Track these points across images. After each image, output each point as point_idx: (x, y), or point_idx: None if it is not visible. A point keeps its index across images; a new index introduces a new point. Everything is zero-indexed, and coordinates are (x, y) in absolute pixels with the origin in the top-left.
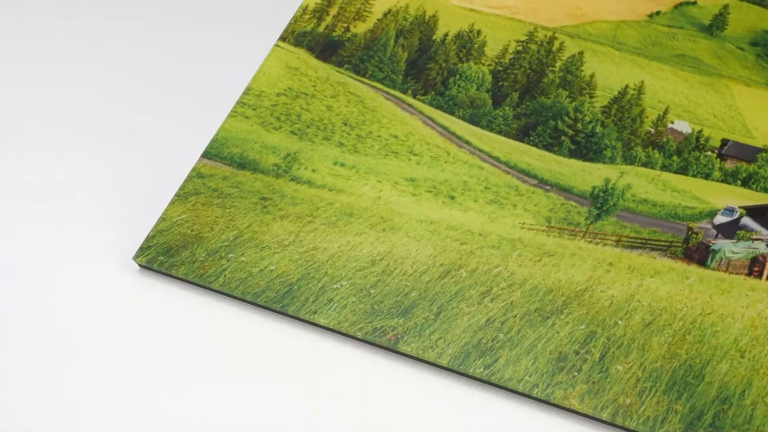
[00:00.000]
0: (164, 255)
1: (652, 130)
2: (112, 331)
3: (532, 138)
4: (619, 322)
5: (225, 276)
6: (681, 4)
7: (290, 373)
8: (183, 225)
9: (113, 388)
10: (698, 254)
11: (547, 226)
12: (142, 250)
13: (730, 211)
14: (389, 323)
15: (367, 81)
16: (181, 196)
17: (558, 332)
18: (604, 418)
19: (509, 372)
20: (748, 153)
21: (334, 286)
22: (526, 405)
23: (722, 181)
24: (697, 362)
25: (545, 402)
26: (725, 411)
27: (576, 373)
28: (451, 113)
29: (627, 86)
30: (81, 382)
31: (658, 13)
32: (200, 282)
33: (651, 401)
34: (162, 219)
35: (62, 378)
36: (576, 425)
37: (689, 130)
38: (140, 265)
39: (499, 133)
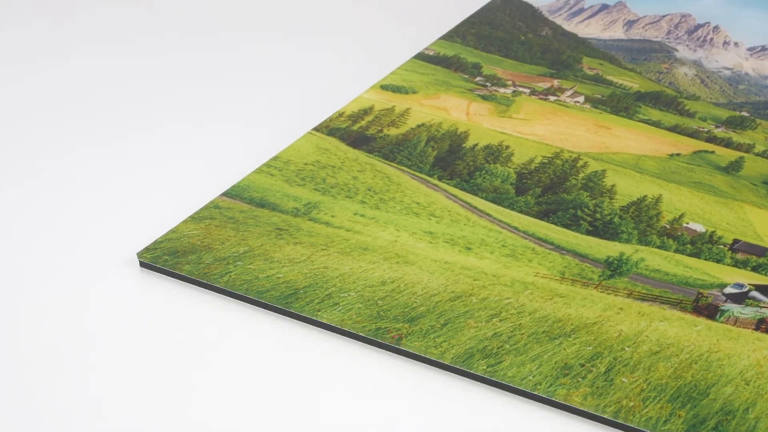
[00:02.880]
0: (169, 255)
1: (668, 226)
2: (114, 329)
3: (551, 219)
4: (627, 349)
5: (230, 276)
6: (700, 151)
7: (291, 373)
8: (194, 237)
9: (114, 387)
10: (707, 311)
11: (560, 277)
12: (148, 249)
13: (739, 286)
14: (394, 325)
15: (395, 165)
16: (195, 218)
17: (565, 349)
18: (606, 416)
19: (512, 372)
20: (758, 251)
21: (342, 294)
22: (528, 404)
23: (733, 266)
24: (702, 384)
25: (547, 400)
26: (728, 420)
27: (580, 380)
28: (475, 194)
29: (645, 195)
30: (82, 380)
31: (678, 154)
32: (203, 279)
33: (654, 406)
34: (173, 231)
35: (63, 377)
36: (578, 425)
37: (703, 230)
38: (143, 264)
39: (520, 212)
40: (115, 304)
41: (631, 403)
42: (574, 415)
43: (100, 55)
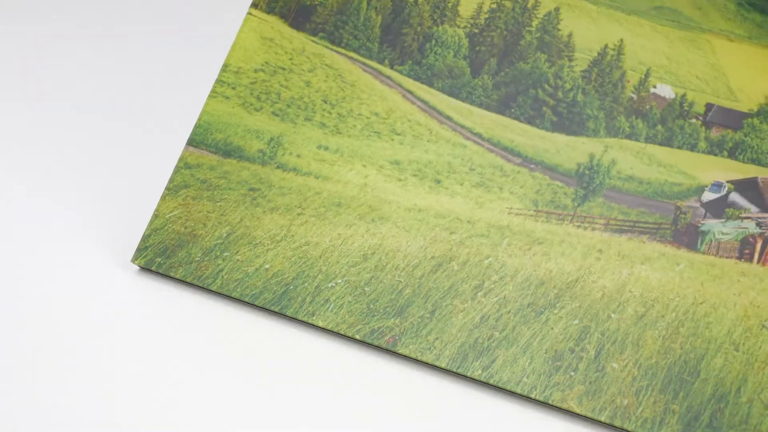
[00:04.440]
0: (161, 256)
1: (635, 97)
2: (113, 331)
3: (513, 110)
4: (612, 315)
5: (222, 277)
6: None
7: (289, 374)
8: (176, 222)
9: (113, 390)
10: (687, 237)
11: (534, 210)
12: (140, 251)
13: (717, 186)
14: (386, 323)
15: (342, 51)
16: (171, 189)
17: (552, 328)
18: (603, 420)
19: (507, 374)
20: (733, 119)
21: (329, 285)
22: (525, 405)
23: (708, 153)
24: (692, 357)
25: (544, 404)
26: (722, 410)
27: (572, 373)
28: (430, 85)
29: (606, 46)
30: (81, 384)
31: None
32: (199, 284)
33: (648, 401)
34: (155, 216)
35: (61, 381)
36: (575, 426)
37: (672, 95)
38: (139, 266)
39: (480, 106)
40: (114, 304)
41: (626, 401)
42: (573, 416)
43: None
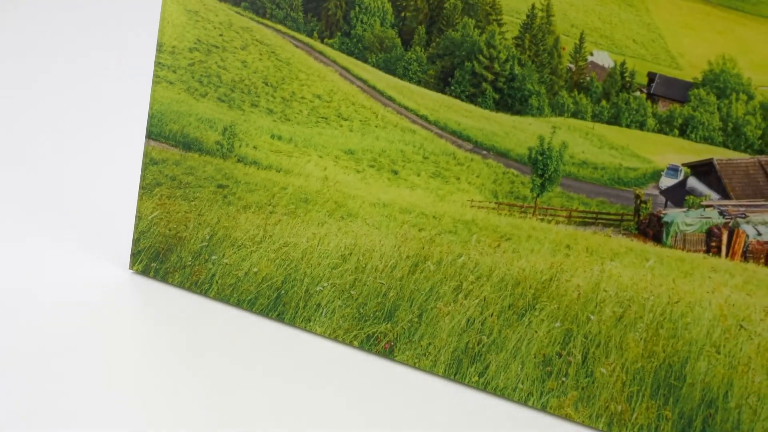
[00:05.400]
0: (155, 261)
1: (573, 67)
2: (112, 332)
3: (453, 87)
4: (591, 317)
5: (216, 283)
6: None
7: (287, 376)
8: (159, 224)
9: (113, 391)
10: (652, 229)
11: (496, 203)
12: (134, 257)
13: (674, 170)
14: (379, 329)
15: (269, 23)
16: (146, 188)
17: (536, 332)
18: (600, 429)
19: (502, 380)
20: (678, 90)
21: (317, 288)
22: (522, 410)
23: (658, 131)
24: (676, 360)
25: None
26: (713, 416)
27: (564, 378)
28: (365, 60)
29: (534, 6)
30: (80, 385)
31: None
32: (196, 290)
33: (640, 407)
34: (139, 217)
35: (61, 382)
36: (576, 427)
37: (611, 63)
38: (136, 272)
39: (418, 83)
40: (113, 306)
41: (620, 407)
42: (570, 422)
43: None
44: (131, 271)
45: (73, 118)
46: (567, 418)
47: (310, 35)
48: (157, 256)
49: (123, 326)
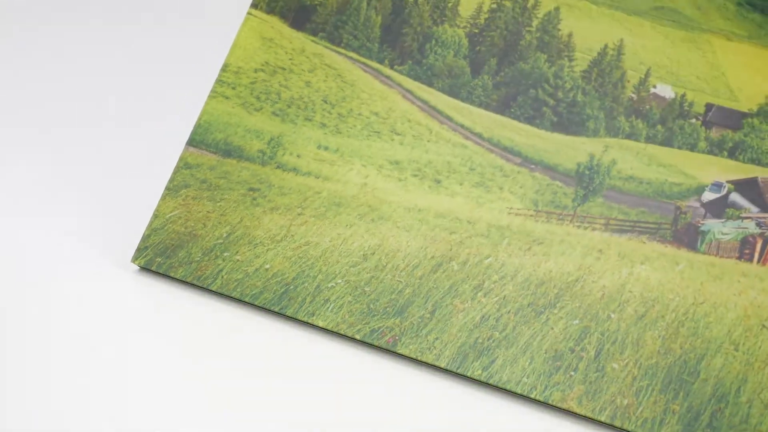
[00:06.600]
0: (161, 256)
1: (635, 97)
2: (112, 331)
3: (513, 110)
4: (612, 315)
5: (222, 277)
6: None
7: (288, 374)
8: (176, 222)
9: (113, 390)
10: (687, 237)
11: (534, 210)
12: (140, 251)
13: (717, 186)
14: (386, 323)
15: (342, 51)
16: (172, 189)
17: (552, 328)
18: (603, 420)
19: (507, 374)
20: (733, 119)
21: (329, 285)
22: (525, 405)
23: (708, 153)
24: (692, 357)
25: (544, 404)
26: (722, 410)
27: (573, 373)
28: (430, 85)
29: (606, 46)
30: (81, 384)
31: None
32: (199, 284)
33: (648, 401)
34: (155, 216)
35: (61, 381)
36: (575, 427)
37: (672, 95)
38: (139, 266)
39: (479, 105)
40: (114, 304)
41: (626, 401)
42: (573, 416)
43: None
44: (133, 264)
45: (122, 116)
46: (569, 410)
47: (381, 63)
48: (164, 252)
49: (109, 317)
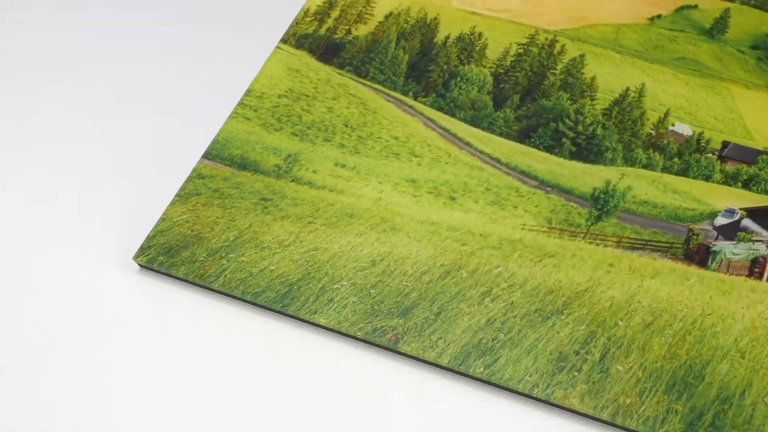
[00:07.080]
0: (164, 255)
1: (653, 132)
2: (113, 331)
3: (533, 140)
4: (620, 323)
5: (225, 276)
6: (682, 8)
7: (289, 373)
8: (183, 225)
9: (114, 389)
10: (699, 255)
11: (547, 227)
12: (143, 249)
13: (730, 212)
14: (389, 323)
15: (368, 83)
16: (182, 196)
17: (558, 332)
18: (604, 418)
19: (509, 372)
20: (748, 155)
21: (335, 286)
22: (526, 405)
23: (723, 183)
24: (698, 362)
25: (545, 402)
26: (725, 411)
27: (576, 373)
28: (452, 115)
29: (628, 89)
30: (81, 383)
31: (659, 16)
32: (200, 282)
33: (651, 401)
34: (162, 219)
35: (62, 379)
36: (576, 425)
37: (690, 133)
38: (140, 265)
39: (500, 135)
40: (115, 303)
41: (628, 400)
42: (574, 415)
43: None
44: (135, 262)
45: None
46: (570, 408)
47: (405, 95)
48: (168, 251)
49: (111, 315)
